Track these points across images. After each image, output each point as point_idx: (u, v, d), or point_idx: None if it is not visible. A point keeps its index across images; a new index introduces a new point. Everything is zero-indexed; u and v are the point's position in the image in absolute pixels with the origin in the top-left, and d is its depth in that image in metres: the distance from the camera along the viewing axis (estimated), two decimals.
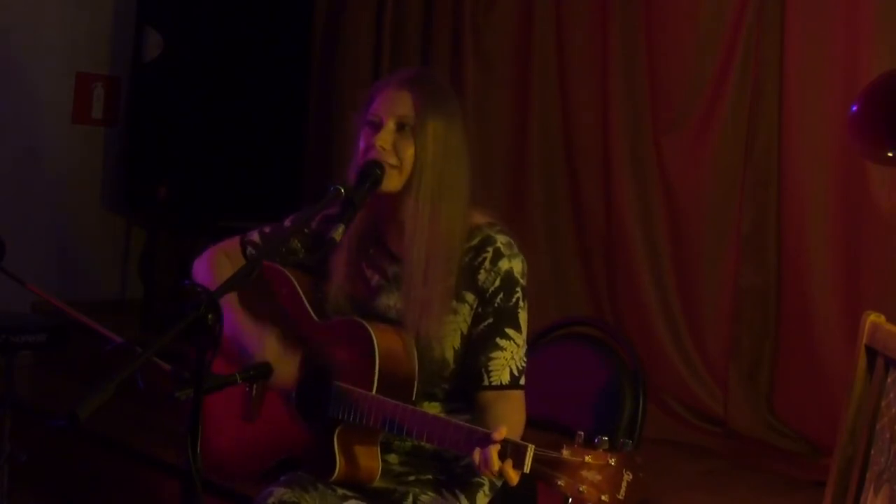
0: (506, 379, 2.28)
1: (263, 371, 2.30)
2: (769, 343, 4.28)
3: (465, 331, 2.32)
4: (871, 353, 2.46)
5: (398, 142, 2.28)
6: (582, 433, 1.90)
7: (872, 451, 2.41)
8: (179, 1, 5.45)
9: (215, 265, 2.48)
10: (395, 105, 2.29)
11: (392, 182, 2.28)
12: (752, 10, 4.26)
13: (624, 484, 1.86)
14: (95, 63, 5.66)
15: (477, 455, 2.01)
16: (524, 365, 2.31)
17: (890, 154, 2.99)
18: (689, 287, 4.44)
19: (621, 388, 2.52)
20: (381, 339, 2.26)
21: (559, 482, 1.89)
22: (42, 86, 5.45)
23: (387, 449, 2.33)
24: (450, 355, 2.31)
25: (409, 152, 2.28)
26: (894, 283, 3.82)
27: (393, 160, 2.27)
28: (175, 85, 5.35)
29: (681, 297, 4.47)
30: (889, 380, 2.40)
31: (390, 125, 2.29)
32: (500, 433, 2.00)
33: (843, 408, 2.50)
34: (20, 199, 5.36)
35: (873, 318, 2.46)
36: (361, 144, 2.31)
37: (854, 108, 3.02)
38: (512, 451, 1.97)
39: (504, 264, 2.31)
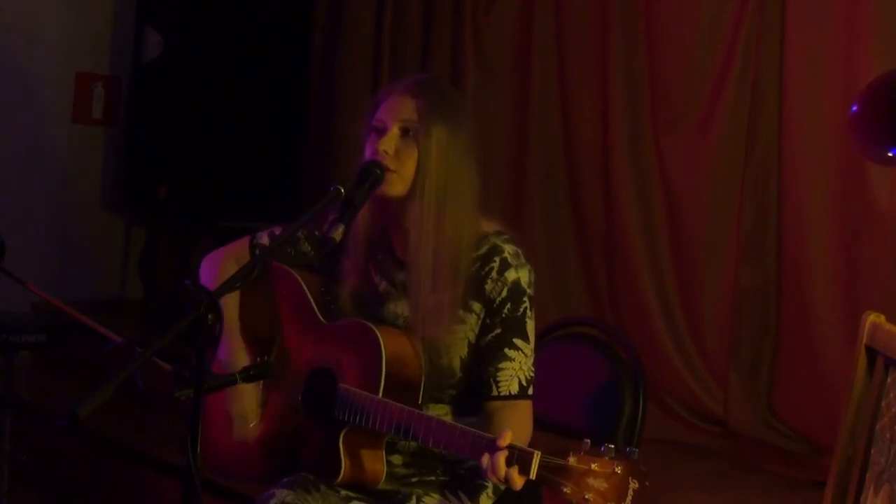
0: (514, 389, 2.29)
1: (264, 371, 2.30)
2: (769, 343, 4.28)
3: (472, 339, 2.32)
4: (871, 353, 2.46)
5: (401, 147, 2.28)
6: (588, 441, 1.91)
7: (872, 451, 2.41)
8: (179, 1, 5.45)
9: (222, 266, 2.48)
10: (400, 110, 2.29)
11: (395, 187, 2.28)
12: (752, 10, 4.25)
13: (630, 492, 1.86)
14: (95, 63, 5.66)
15: (485, 460, 2.02)
16: (532, 375, 2.31)
17: (890, 154, 2.99)
18: (689, 287, 4.44)
19: (621, 389, 2.52)
20: (388, 342, 2.26)
21: (565, 489, 1.90)
22: (42, 86, 5.45)
23: (391, 450, 2.33)
24: (457, 364, 2.32)
25: (412, 158, 2.28)
26: (894, 283, 3.82)
27: (395, 165, 2.27)
28: (175, 85, 5.35)
29: (681, 297, 4.46)
30: (889, 380, 2.40)
31: (394, 130, 2.29)
32: (505, 439, 2.00)
33: (843, 408, 2.50)
34: (20, 199, 5.36)
35: (873, 318, 2.46)
36: (367, 150, 2.31)
37: (854, 108, 3.02)
38: (518, 458, 1.98)
39: (511, 274, 2.31)
